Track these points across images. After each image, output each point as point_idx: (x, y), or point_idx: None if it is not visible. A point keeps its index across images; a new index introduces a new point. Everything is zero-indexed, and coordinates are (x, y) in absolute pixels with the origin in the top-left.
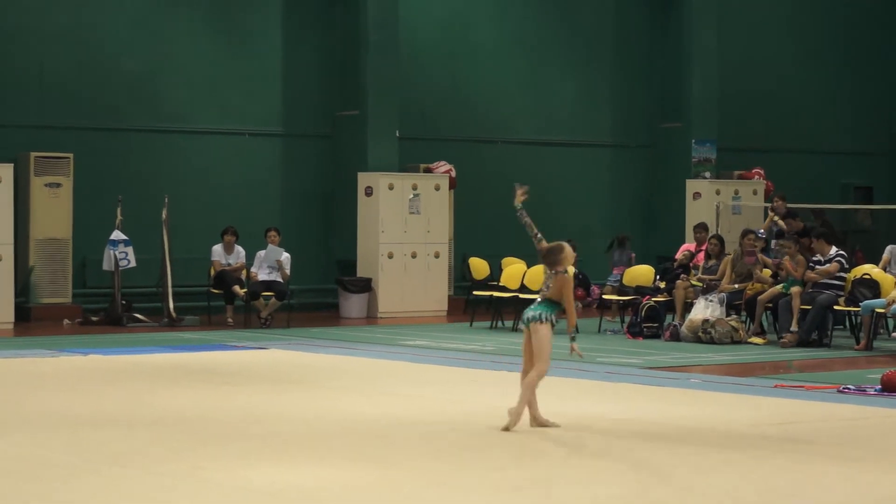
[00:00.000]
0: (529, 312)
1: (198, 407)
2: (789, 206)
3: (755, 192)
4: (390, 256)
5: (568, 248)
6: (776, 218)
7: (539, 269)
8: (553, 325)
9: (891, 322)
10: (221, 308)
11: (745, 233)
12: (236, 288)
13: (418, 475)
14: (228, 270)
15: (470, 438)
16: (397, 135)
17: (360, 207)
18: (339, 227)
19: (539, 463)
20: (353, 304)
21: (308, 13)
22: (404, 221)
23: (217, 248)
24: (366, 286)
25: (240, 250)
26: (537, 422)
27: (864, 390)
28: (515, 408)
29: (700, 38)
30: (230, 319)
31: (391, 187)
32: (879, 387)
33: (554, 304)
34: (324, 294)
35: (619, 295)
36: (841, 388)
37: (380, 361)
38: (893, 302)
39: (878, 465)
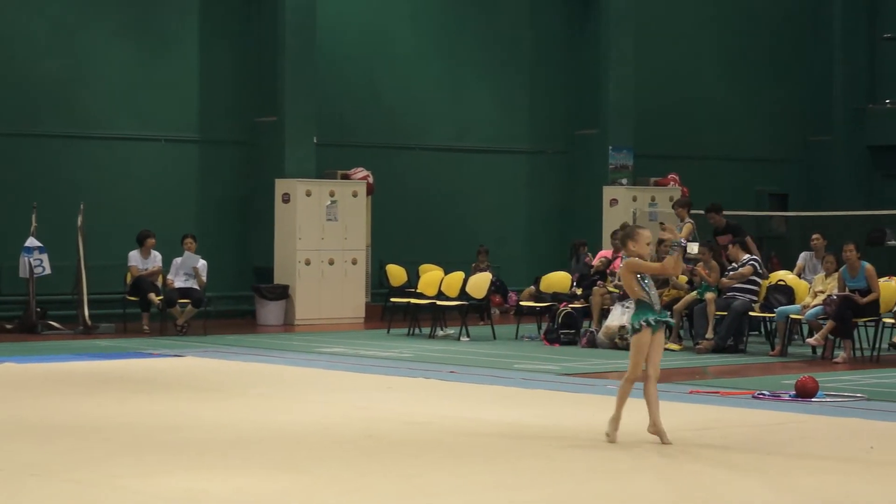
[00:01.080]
0: (630, 323)
1: (114, 415)
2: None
3: (671, 199)
4: (307, 263)
5: (632, 231)
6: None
7: (457, 276)
8: (654, 328)
9: (805, 328)
10: (137, 315)
11: (662, 240)
12: (152, 295)
13: (333, 482)
14: (145, 275)
15: (385, 446)
16: (315, 141)
17: (278, 214)
18: (256, 233)
19: (453, 470)
20: (269, 312)
21: (225, 19)
22: (321, 228)
23: (134, 254)
24: (283, 293)
25: (156, 255)
26: (655, 428)
27: (779, 396)
28: (652, 420)
29: (617, 45)
30: (146, 327)
31: (308, 194)
32: (794, 392)
33: (641, 304)
34: (240, 301)
35: (536, 301)
36: (756, 394)
37: (296, 369)
38: (807, 308)
39: (792, 470)
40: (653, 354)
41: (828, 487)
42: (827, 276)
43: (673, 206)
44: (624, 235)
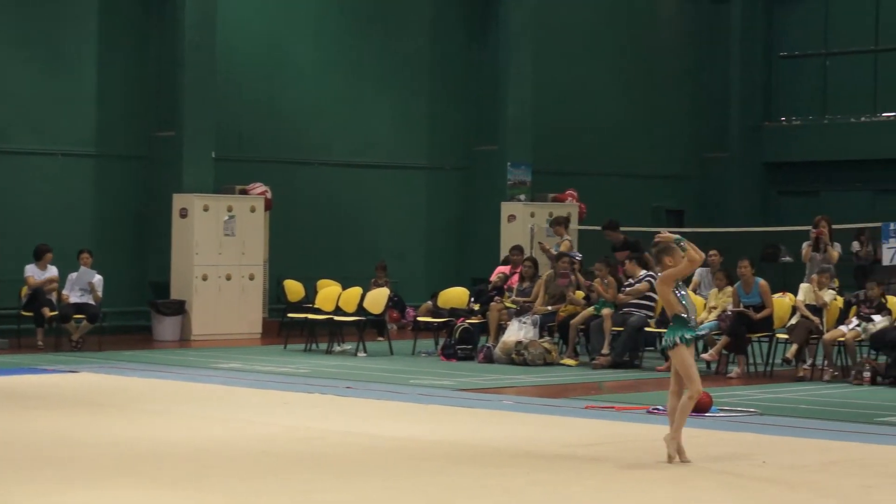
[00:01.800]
0: (664, 340)
1: (8, 432)
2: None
3: (569, 215)
4: (204, 279)
5: (666, 246)
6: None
7: (355, 292)
8: (688, 343)
9: (700, 343)
10: (32, 331)
11: (560, 256)
12: (45, 310)
13: (228, 499)
14: (40, 284)
15: (281, 461)
16: (213, 156)
17: (175, 229)
18: (153, 248)
19: (349, 486)
20: (166, 327)
21: (123, 33)
22: (219, 243)
23: (31, 267)
24: (179, 308)
25: (53, 269)
26: (674, 443)
27: None
28: (671, 434)
29: (516, 62)
30: (40, 342)
31: (206, 209)
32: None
33: (677, 320)
34: (136, 316)
35: (434, 317)
36: (651, 409)
37: (192, 384)
38: (702, 323)
39: (685, 483)
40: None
41: (720, 500)
42: (719, 290)
43: (550, 224)
44: (659, 251)
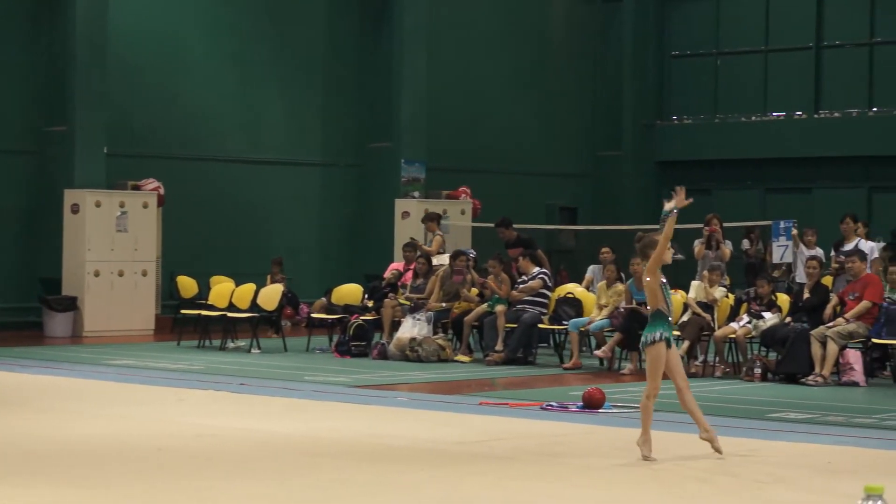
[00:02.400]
0: (645, 336)
1: None
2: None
3: (463, 212)
4: (97, 275)
5: (650, 240)
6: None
7: (248, 288)
8: (656, 342)
9: (593, 340)
10: None
11: (457, 254)
12: None
13: (123, 496)
14: None
15: (176, 458)
16: (105, 151)
17: (66, 225)
18: (44, 244)
19: (244, 483)
20: (57, 323)
21: (14, 26)
22: (111, 239)
23: None
24: (71, 305)
25: None
26: (707, 434)
27: (567, 407)
28: (701, 427)
29: (410, 60)
30: None
31: (98, 205)
32: (581, 404)
33: (659, 315)
34: (27, 313)
35: (328, 314)
36: (544, 405)
37: (85, 381)
38: (593, 321)
39: (579, 480)
40: (675, 365)
41: (613, 497)
42: (608, 286)
43: (422, 220)
44: (644, 245)
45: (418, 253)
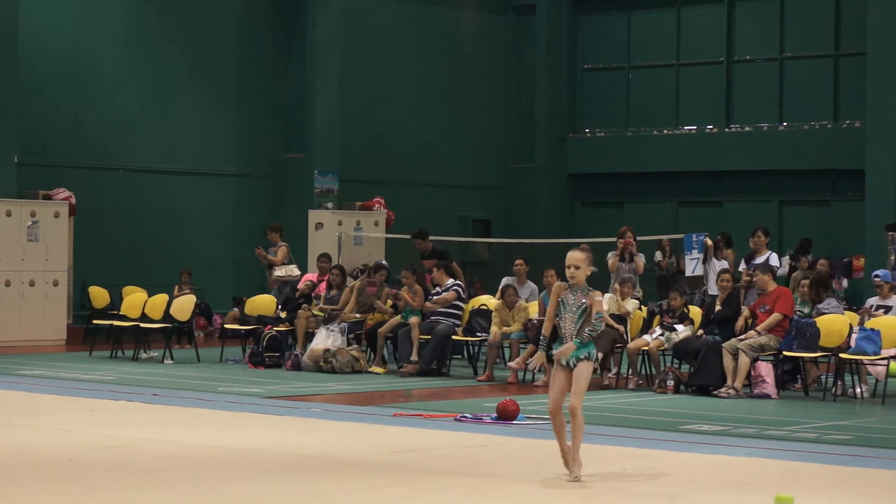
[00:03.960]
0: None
1: None
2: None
3: (377, 223)
4: (7, 284)
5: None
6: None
7: (161, 298)
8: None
9: (506, 352)
10: None
11: (378, 267)
12: None
13: None
14: None
15: (88, 469)
16: (16, 160)
17: None
18: None
19: (158, 493)
20: None
21: None
22: (22, 249)
23: None
24: None
25: None
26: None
27: (481, 418)
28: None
29: (323, 72)
30: None
31: (9, 214)
32: (495, 415)
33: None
34: None
35: (241, 324)
36: (458, 417)
37: None
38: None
39: (493, 491)
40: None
41: None
42: (510, 307)
43: (265, 231)
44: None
45: (332, 264)
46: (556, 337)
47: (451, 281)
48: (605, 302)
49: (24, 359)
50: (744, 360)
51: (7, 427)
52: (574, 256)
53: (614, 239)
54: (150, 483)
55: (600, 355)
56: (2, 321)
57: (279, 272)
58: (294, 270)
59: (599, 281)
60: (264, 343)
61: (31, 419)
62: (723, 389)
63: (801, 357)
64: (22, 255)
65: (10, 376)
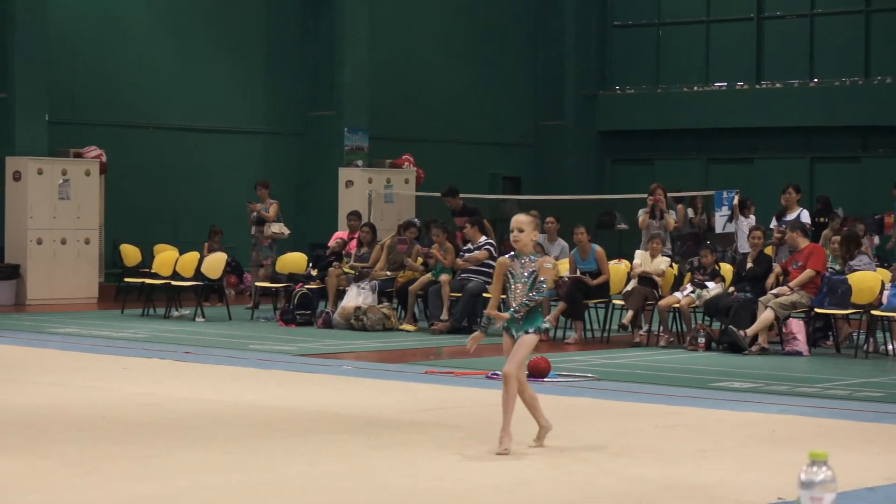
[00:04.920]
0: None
1: None
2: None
3: (406, 181)
4: (39, 242)
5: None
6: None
7: (192, 256)
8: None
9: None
10: None
11: (408, 225)
12: None
13: (68, 464)
14: None
15: (121, 427)
16: (47, 119)
17: (8, 192)
18: None
19: (190, 451)
20: (0, 291)
21: None
22: (53, 207)
23: None
24: (13, 273)
25: None
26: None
27: None
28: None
29: (352, 28)
30: None
31: (40, 172)
32: (526, 373)
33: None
34: None
35: (272, 282)
36: (489, 375)
37: (28, 349)
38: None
39: (524, 448)
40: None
41: (560, 463)
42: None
43: (254, 187)
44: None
45: (363, 221)
46: (587, 292)
47: (483, 238)
48: (637, 258)
49: (56, 317)
50: (767, 315)
51: (39, 385)
52: (518, 219)
53: (645, 196)
54: (182, 440)
55: (547, 327)
56: (34, 279)
57: (274, 228)
58: (285, 229)
59: (629, 238)
60: (295, 301)
61: (64, 377)
62: (741, 331)
63: (833, 314)
64: (53, 214)
65: (42, 334)
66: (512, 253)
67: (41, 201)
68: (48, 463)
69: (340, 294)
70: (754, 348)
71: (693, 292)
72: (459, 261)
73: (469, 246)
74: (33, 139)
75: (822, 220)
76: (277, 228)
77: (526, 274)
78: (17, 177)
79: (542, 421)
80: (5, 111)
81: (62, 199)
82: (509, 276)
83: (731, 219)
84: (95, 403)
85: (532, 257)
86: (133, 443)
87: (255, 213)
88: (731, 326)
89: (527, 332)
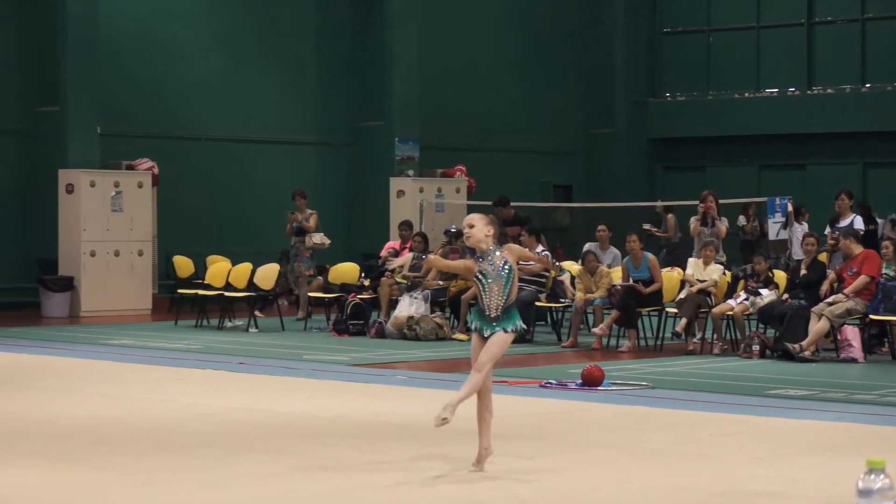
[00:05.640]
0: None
1: None
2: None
3: (458, 191)
4: (93, 254)
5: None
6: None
7: (245, 267)
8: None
9: (590, 318)
10: None
11: (460, 234)
12: None
13: (123, 475)
14: None
15: (176, 438)
16: (98, 131)
17: (61, 205)
18: (39, 225)
19: (244, 462)
20: (54, 303)
21: (4, 8)
22: (107, 219)
23: None
24: (68, 285)
25: None
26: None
27: (566, 385)
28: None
29: (402, 38)
30: None
31: (93, 184)
32: (580, 381)
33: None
34: (24, 293)
35: (325, 293)
36: (543, 383)
37: (83, 361)
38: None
39: (578, 457)
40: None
41: (613, 473)
42: (591, 273)
43: (292, 196)
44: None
45: (414, 231)
46: (640, 300)
47: (540, 248)
48: (690, 267)
49: (110, 328)
50: (822, 325)
51: (95, 397)
52: (469, 217)
53: (696, 203)
54: (237, 451)
55: (524, 327)
56: (88, 291)
57: (316, 239)
58: (326, 239)
59: (682, 246)
60: (348, 311)
61: (119, 389)
62: (795, 345)
63: (888, 320)
64: (106, 226)
65: (96, 346)
66: (476, 255)
67: (94, 213)
68: (106, 473)
69: (393, 304)
70: (806, 353)
71: (747, 299)
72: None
73: None
74: (85, 152)
75: (871, 227)
76: (318, 239)
77: (499, 266)
78: (69, 189)
79: (484, 441)
80: (57, 124)
81: (115, 212)
82: (480, 277)
83: (785, 225)
84: (151, 414)
85: (495, 250)
86: (188, 454)
87: (295, 224)
88: (785, 343)
89: (505, 331)
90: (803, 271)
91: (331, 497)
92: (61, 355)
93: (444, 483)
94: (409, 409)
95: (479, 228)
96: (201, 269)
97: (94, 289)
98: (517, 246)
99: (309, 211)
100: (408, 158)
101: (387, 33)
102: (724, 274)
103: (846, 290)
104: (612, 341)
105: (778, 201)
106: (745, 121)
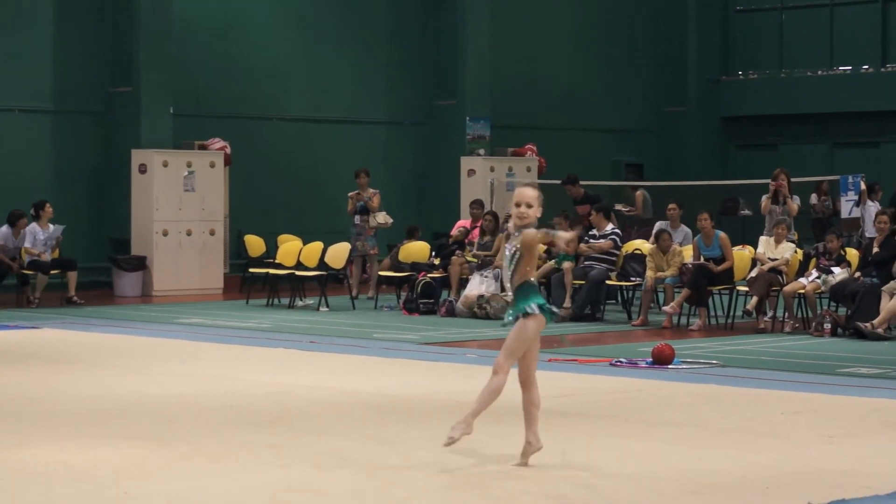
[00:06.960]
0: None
1: None
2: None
3: (529, 169)
4: (165, 234)
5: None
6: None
7: (316, 246)
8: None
9: (661, 296)
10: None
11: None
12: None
13: (195, 452)
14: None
15: (247, 416)
16: (171, 111)
17: (134, 185)
18: (112, 204)
19: (315, 439)
20: (127, 283)
21: None
22: (179, 199)
23: (4, 231)
24: (140, 264)
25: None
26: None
27: (636, 363)
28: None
29: (474, 17)
30: (37, 298)
31: (165, 164)
32: (650, 360)
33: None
34: (97, 272)
35: (395, 272)
36: (613, 362)
37: (155, 340)
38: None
39: (651, 435)
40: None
41: (687, 451)
42: (664, 252)
43: (355, 175)
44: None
45: (485, 210)
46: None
47: (610, 227)
48: (762, 245)
49: (182, 307)
50: (894, 303)
51: (167, 375)
52: (526, 193)
53: (768, 181)
54: (307, 429)
55: (540, 305)
56: (160, 271)
57: (380, 219)
58: (389, 218)
59: (753, 224)
60: (418, 290)
61: (191, 367)
62: (867, 324)
63: None
64: (179, 206)
65: (168, 325)
66: (506, 232)
67: (167, 193)
68: (177, 450)
69: (463, 283)
70: (878, 332)
71: (818, 278)
72: (583, 246)
73: (594, 232)
74: (158, 132)
75: None
76: (382, 218)
77: (509, 253)
78: (142, 169)
79: (530, 435)
80: (130, 105)
81: (187, 191)
82: (507, 255)
83: (858, 203)
84: (222, 392)
85: (516, 233)
86: (259, 431)
87: (359, 203)
88: (857, 321)
89: (523, 315)
90: (876, 249)
91: (403, 473)
92: (134, 334)
93: (516, 465)
94: (479, 387)
95: (535, 210)
96: (273, 248)
97: (167, 268)
98: (533, 231)
99: (372, 190)
100: (479, 137)
101: (459, 12)
102: (795, 252)
103: None
104: (683, 320)
105: (851, 179)
106: (817, 99)
